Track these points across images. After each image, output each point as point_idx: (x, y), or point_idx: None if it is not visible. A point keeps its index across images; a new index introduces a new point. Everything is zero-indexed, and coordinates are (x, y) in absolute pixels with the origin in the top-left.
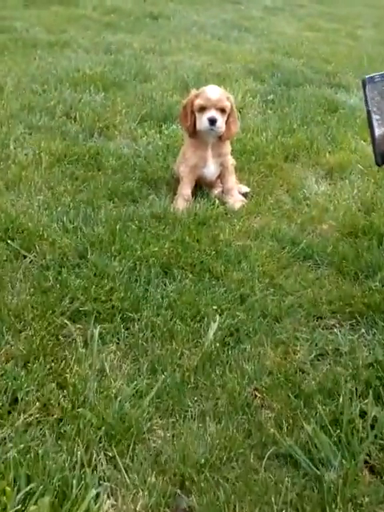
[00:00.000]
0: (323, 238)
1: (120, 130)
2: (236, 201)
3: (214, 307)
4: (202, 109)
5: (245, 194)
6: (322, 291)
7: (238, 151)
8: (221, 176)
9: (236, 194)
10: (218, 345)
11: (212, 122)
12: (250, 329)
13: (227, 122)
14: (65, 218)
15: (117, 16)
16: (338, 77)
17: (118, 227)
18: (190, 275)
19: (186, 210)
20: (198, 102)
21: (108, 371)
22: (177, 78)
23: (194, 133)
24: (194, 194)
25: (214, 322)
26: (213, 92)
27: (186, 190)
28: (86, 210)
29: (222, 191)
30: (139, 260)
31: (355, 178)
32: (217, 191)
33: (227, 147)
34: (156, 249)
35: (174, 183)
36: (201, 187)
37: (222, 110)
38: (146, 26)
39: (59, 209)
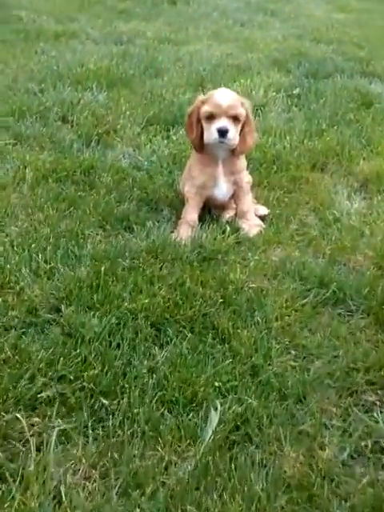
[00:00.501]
0: (358, 274)
1: (122, 136)
2: (252, 226)
3: (217, 384)
4: (211, 117)
5: (263, 217)
6: (358, 352)
7: (257, 161)
8: (234, 197)
9: (252, 217)
10: (219, 446)
11: (222, 133)
12: (264, 418)
13: (242, 133)
14: (40, 257)
15: (132, 2)
16: (372, 64)
17: (103, 269)
18: (189, 334)
19: (191, 239)
20: (206, 109)
21: (64, 498)
22: (191, 71)
23: (201, 146)
24: (202, 218)
25: (216, 410)
26: (223, 97)
27: (191, 214)
28: (67, 244)
29: (236, 214)
30: (125, 316)
31: None
32: (229, 215)
33: (242, 163)
34: (147, 301)
35: (178, 203)
36: (210, 210)
37: (235, 119)
38: (164, 12)
39: (35, 245)
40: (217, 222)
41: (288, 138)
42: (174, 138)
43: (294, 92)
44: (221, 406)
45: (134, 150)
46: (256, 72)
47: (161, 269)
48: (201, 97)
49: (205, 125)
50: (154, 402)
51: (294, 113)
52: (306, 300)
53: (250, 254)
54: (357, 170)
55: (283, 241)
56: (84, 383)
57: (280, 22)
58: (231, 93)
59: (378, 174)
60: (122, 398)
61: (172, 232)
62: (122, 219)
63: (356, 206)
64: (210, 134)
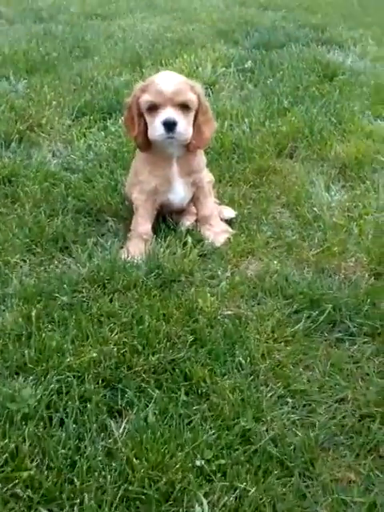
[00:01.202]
0: (352, 285)
1: (49, 131)
2: (218, 233)
3: (198, 463)
4: (153, 108)
5: (229, 221)
6: (369, 391)
7: (213, 150)
8: (194, 200)
9: (217, 222)
10: None
11: (169, 126)
12: (265, 507)
13: (195, 124)
14: None
15: None
16: (329, 30)
17: (34, 312)
18: (156, 392)
19: (145, 256)
20: (146, 98)
21: None
22: (125, 48)
23: (146, 144)
24: (156, 227)
25: (201, 506)
26: (166, 81)
27: (142, 225)
28: None
29: (197, 220)
30: (68, 377)
31: (379, 176)
32: (189, 222)
33: (200, 159)
34: (96, 352)
35: (125, 211)
36: (165, 216)
37: (184, 107)
38: None
39: None
40: (175, 231)
41: (246, 120)
42: (113, 129)
43: (246, 66)
44: (207, 499)
45: (66, 147)
46: (200, 45)
47: (111, 301)
48: (139, 84)
49: (148, 118)
50: (115, 504)
51: (250, 90)
52: (296, 327)
53: (219, 271)
54: (331, 154)
55: (257, 249)
56: (16, 488)
57: None
58: (176, 76)
59: (356, 158)
60: (72, 507)
61: (121, 247)
62: (56, 239)
63: (337, 198)
64: (155, 128)
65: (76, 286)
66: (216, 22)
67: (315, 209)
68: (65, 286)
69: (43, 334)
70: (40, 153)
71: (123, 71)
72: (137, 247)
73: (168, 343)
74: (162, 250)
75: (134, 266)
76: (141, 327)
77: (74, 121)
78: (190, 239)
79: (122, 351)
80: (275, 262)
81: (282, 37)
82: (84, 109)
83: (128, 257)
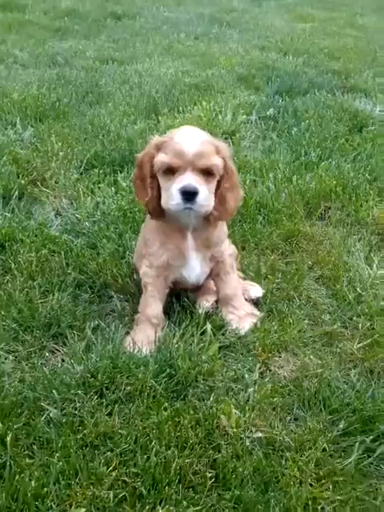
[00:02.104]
0: None
1: (53, 186)
2: (242, 318)
3: None
4: (170, 171)
5: (256, 302)
6: None
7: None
8: (213, 276)
9: (241, 303)
10: None
11: (188, 195)
12: None
13: (219, 191)
14: None
15: (70, 20)
16: (353, 77)
17: (9, 438)
18: None
19: (155, 347)
20: (162, 158)
21: None
22: (141, 94)
23: (159, 212)
24: (168, 308)
25: None
26: (188, 140)
27: (152, 308)
28: None
29: (217, 301)
30: None
31: None
32: (208, 303)
33: (220, 230)
34: (86, 497)
35: (133, 286)
36: (179, 294)
37: (208, 173)
38: (106, 29)
39: None
40: (191, 314)
41: (271, 175)
42: (124, 184)
43: (269, 113)
44: None
45: (71, 204)
46: (219, 91)
47: (110, 415)
48: (155, 139)
49: (162, 182)
50: None
51: (273, 140)
52: (347, 461)
53: (245, 371)
54: (369, 217)
55: (291, 340)
56: None
57: (238, 33)
58: (199, 133)
59: None
60: None
61: (128, 333)
62: (50, 323)
63: (380, 274)
64: (170, 196)
65: (68, 391)
66: (235, 67)
67: (355, 284)
68: (54, 392)
69: (17, 476)
70: (41, 211)
71: (138, 119)
72: (145, 335)
73: (181, 484)
74: (175, 340)
75: (141, 362)
76: (146, 458)
77: (81, 174)
78: (209, 326)
79: (120, 495)
80: (312, 358)
81: (304, 83)
82: (93, 160)
83: (134, 348)
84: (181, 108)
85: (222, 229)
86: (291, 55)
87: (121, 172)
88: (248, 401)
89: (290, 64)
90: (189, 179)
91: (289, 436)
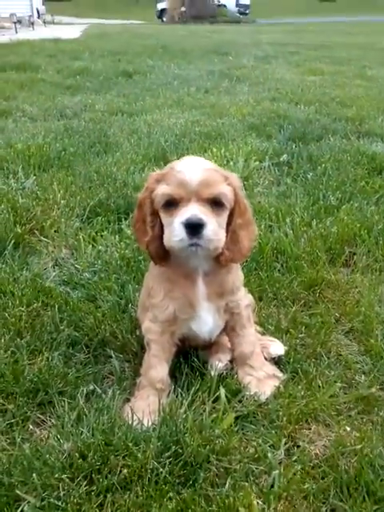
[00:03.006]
0: None
1: (52, 235)
2: (262, 381)
3: None
4: (172, 203)
5: (277, 361)
6: None
7: (250, 259)
8: (228, 331)
9: (260, 363)
10: None
11: (193, 228)
12: None
13: (231, 228)
14: None
15: (82, 78)
16: (367, 123)
17: None
18: None
19: (158, 418)
20: (162, 190)
21: None
22: (150, 144)
23: (161, 255)
24: (175, 369)
25: None
26: (191, 168)
27: (156, 370)
28: None
29: (233, 360)
30: None
31: None
32: (221, 364)
33: (235, 275)
34: None
35: (136, 343)
36: (188, 352)
37: (216, 203)
38: (117, 85)
39: None
40: (201, 376)
41: (288, 220)
42: (129, 231)
43: (282, 159)
44: None
45: (72, 254)
46: (230, 139)
47: (101, 507)
48: (155, 173)
49: (164, 218)
50: None
51: (288, 185)
52: None
53: (268, 448)
54: None
55: (320, 408)
56: None
57: (248, 86)
58: (204, 162)
59: None
60: None
61: (128, 400)
62: (36, 389)
63: None
64: (173, 231)
65: (50, 476)
66: (246, 117)
67: None
68: (34, 476)
69: None
70: (38, 262)
71: (146, 167)
72: (147, 403)
73: None
74: (182, 409)
75: (141, 438)
76: None
77: (84, 223)
78: (223, 391)
79: None
80: (348, 429)
81: (317, 129)
82: (97, 208)
83: (134, 420)
84: (191, 155)
85: (237, 274)
86: (302, 105)
87: (126, 219)
88: (273, 487)
89: (302, 113)
90: (193, 210)
91: None
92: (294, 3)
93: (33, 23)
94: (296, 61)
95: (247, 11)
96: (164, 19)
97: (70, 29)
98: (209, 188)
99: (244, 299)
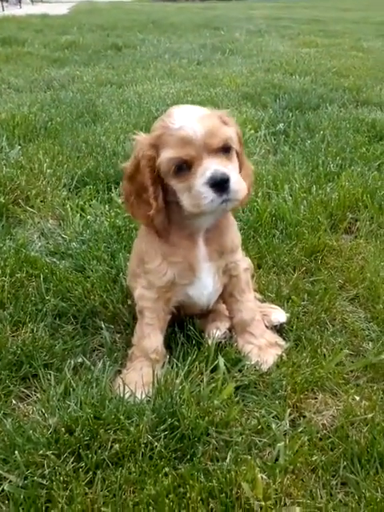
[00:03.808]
0: None
1: (38, 205)
2: (263, 349)
3: None
4: (183, 167)
5: (279, 329)
6: None
7: (247, 225)
8: (226, 297)
9: (261, 331)
10: None
11: (219, 185)
12: None
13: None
14: None
15: (70, 51)
16: (365, 92)
17: None
18: None
19: (151, 391)
20: (169, 154)
21: None
22: (140, 113)
23: (166, 227)
24: (169, 339)
25: None
26: (190, 121)
27: (150, 339)
28: None
29: (232, 328)
30: None
31: None
32: (219, 331)
33: (235, 232)
34: None
35: (127, 313)
36: (183, 320)
37: (225, 150)
38: (106, 58)
39: None
40: (198, 346)
41: (287, 187)
42: (120, 201)
43: (279, 128)
44: None
45: (59, 225)
46: (224, 108)
47: (90, 485)
48: (144, 137)
49: (176, 185)
50: None
51: (285, 153)
52: None
53: (271, 419)
54: None
55: (327, 377)
56: None
57: (242, 58)
58: (196, 109)
59: None
60: None
61: (119, 372)
62: (20, 362)
63: None
64: (198, 196)
65: (34, 453)
66: (240, 87)
67: None
68: (16, 454)
69: None
70: (24, 233)
71: (135, 134)
72: (140, 374)
73: None
74: (178, 380)
75: (134, 411)
76: None
77: (71, 192)
78: (222, 361)
79: None
80: (357, 398)
81: (314, 99)
82: (86, 178)
83: (126, 392)
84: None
85: (236, 231)
86: (298, 75)
87: (116, 188)
88: (277, 460)
89: (298, 83)
90: (214, 166)
91: (337, 510)
92: None
93: (20, 1)
94: (289, 34)
95: None
96: None
97: (58, 6)
98: (216, 137)
99: (242, 261)
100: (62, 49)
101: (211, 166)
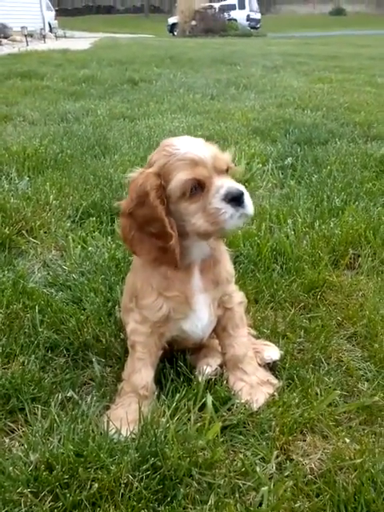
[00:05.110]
0: None
1: (41, 237)
2: (255, 387)
3: None
4: (196, 188)
5: (272, 367)
6: None
7: (247, 259)
8: (218, 331)
9: (253, 368)
10: None
11: (236, 199)
12: None
13: None
14: None
15: (87, 85)
16: (375, 127)
17: None
18: None
19: (139, 428)
20: (183, 177)
21: None
22: (150, 146)
23: (174, 257)
24: (159, 374)
25: None
26: (195, 145)
27: (140, 374)
28: None
29: (223, 365)
30: None
31: None
32: (210, 368)
33: (228, 263)
34: None
35: (120, 347)
36: (173, 355)
37: (226, 172)
38: (122, 92)
39: None
40: (188, 382)
41: (290, 221)
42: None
43: (286, 162)
44: None
45: (61, 256)
46: (233, 142)
47: None
48: (142, 171)
49: (189, 206)
50: None
51: (291, 187)
52: None
53: (257, 460)
54: None
55: (317, 418)
56: None
57: (255, 93)
58: (191, 138)
59: None
60: None
61: (107, 408)
62: (8, 395)
63: None
64: (217, 213)
65: (13, 491)
66: (251, 121)
67: None
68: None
69: None
70: (26, 263)
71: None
72: (127, 411)
73: None
74: (164, 419)
75: (118, 449)
76: None
77: (75, 223)
78: (210, 399)
79: None
80: (348, 442)
81: (323, 133)
82: (91, 209)
83: (111, 430)
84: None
85: (229, 261)
86: (309, 110)
87: (118, 220)
88: (261, 505)
89: (309, 118)
90: (228, 182)
91: None
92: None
93: (44, 36)
94: (304, 70)
95: (258, 25)
96: (175, 33)
97: (80, 41)
98: (221, 159)
99: (236, 294)
100: (80, 83)
101: (225, 184)
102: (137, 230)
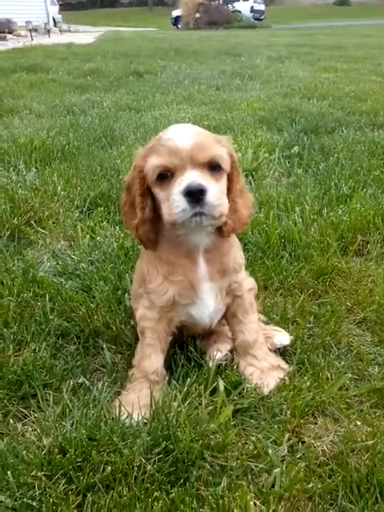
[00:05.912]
0: None
1: (50, 227)
2: (265, 372)
3: None
4: (167, 175)
5: (282, 352)
6: None
7: (255, 246)
8: (228, 318)
9: (264, 353)
10: None
11: (193, 196)
12: None
13: (229, 195)
14: None
15: (93, 78)
16: (382, 116)
17: None
18: None
19: (149, 413)
20: (154, 162)
21: None
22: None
23: (152, 238)
24: (169, 360)
25: None
26: (181, 134)
27: (150, 360)
28: None
29: (233, 350)
30: None
31: None
32: (221, 354)
33: (236, 251)
34: None
35: (130, 334)
36: (184, 341)
37: (213, 167)
38: (127, 84)
39: None
40: (198, 367)
41: (297, 209)
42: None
43: (293, 151)
44: None
45: (70, 245)
46: (240, 132)
47: (80, 508)
48: (141, 149)
49: (159, 193)
50: None
51: (298, 176)
52: None
53: (269, 444)
54: None
55: (329, 401)
56: None
57: (260, 83)
58: (193, 127)
59: None
60: None
61: (118, 393)
62: (20, 381)
63: None
64: (173, 204)
65: (27, 474)
66: (257, 111)
67: None
68: (8, 475)
69: None
70: (35, 253)
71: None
72: (138, 396)
73: None
74: (176, 403)
75: (130, 433)
76: None
77: (84, 213)
78: (221, 383)
79: None
80: (359, 424)
81: (331, 122)
82: (99, 200)
83: (122, 415)
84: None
85: (239, 250)
86: (315, 99)
87: None
88: (273, 487)
89: (315, 107)
90: (191, 176)
91: None
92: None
93: (49, 31)
94: (309, 60)
95: (262, 17)
96: (179, 26)
97: (84, 35)
98: (203, 151)
99: (246, 281)
100: (85, 76)
101: (189, 177)
102: (130, 205)
